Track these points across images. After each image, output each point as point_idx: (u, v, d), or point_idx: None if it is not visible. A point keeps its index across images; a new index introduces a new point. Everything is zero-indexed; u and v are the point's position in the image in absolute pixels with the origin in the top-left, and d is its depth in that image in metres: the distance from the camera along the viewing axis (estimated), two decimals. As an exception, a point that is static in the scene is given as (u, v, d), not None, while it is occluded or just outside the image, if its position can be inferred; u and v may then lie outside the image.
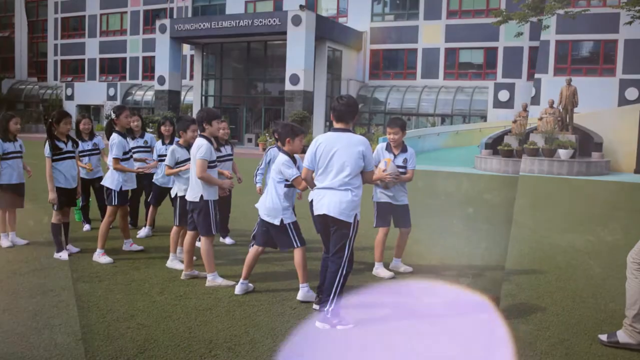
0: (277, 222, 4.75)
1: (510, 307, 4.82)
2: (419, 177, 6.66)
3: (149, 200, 7.33)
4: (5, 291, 4.96)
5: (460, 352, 3.90)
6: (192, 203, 5.24)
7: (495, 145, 21.55)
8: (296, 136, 4.79)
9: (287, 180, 4.74)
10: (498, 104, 29.66)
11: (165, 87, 32.72)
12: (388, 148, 5.66)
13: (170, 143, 6.90)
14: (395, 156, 5.59)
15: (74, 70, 45.55)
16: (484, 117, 30.34)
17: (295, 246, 4.77)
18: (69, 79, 44.87)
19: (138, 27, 41.88)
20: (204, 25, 30.59)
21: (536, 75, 29.56)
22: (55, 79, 46.22)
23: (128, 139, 6.40)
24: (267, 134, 27.55)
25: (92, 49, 44.26)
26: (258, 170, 6.32)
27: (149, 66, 40.65)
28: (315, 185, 4.43)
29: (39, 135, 32.21)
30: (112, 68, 43.47)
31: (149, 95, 38.79)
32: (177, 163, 5.82)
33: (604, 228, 9.06)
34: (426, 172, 16.85)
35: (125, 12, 42.52)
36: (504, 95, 29.50)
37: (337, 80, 32.15)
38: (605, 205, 12.44)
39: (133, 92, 40.78)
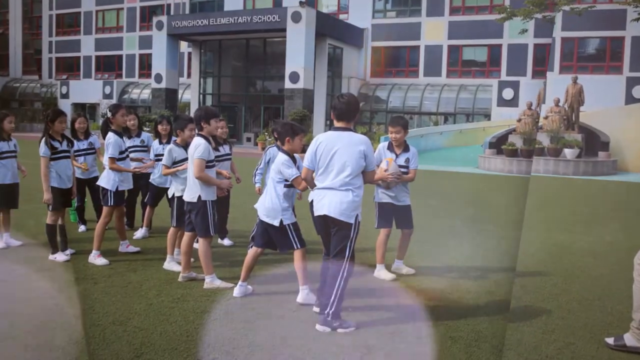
0: (276, 223, 4.67)
1: (515, 310, 4.76)
2: (421, 177, 6.58)
3: (145, 200, 7.25)
4: (0, 294, 4.89)
5: (460, 354, 3.82)
6: (190, 203, 5.17)
7: (499, 145, 21.41)
8: (296, 135, 4.71)
9: (286, 180, 4.66)
10: (502, 102, 29.56)
11: (163, 85, 32.60)
12: (390, 147, 5.60)
13: (168, 142, 6.82)
14: (397, 156, 5.53)
15: (69, 68, 45.46)
16: (487, 116, 30.25)
17: (295, 247, 4.70)
18: (64, 76, 44.75)
19: (134, 24, 41.78)
20: (201, 22, 30.49)
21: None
22: (50, 76, 46.12)
23: (124, 138, 6.32)
24: (266, 133, 27.49)
25: (87, 46, 44.17)
26: (257, 170, 6.26)
27: (145, 64, 40.53)
28: (315, 186, 4.35)
29: (34, 134, 32.20)
30: (108, 66, 43.38)
31: (146, 94, 38.72)
32: (175, 163, 5.76)
33: (610, 229, 8.97)
34: (429, 172, 16.78)
35: (122, 9, 42.40)
36: (508, 94, 29.38)
37: (338, 78, 32.08)
38: (611, 206, 12.35)
39: (129, 90, 40.70)
